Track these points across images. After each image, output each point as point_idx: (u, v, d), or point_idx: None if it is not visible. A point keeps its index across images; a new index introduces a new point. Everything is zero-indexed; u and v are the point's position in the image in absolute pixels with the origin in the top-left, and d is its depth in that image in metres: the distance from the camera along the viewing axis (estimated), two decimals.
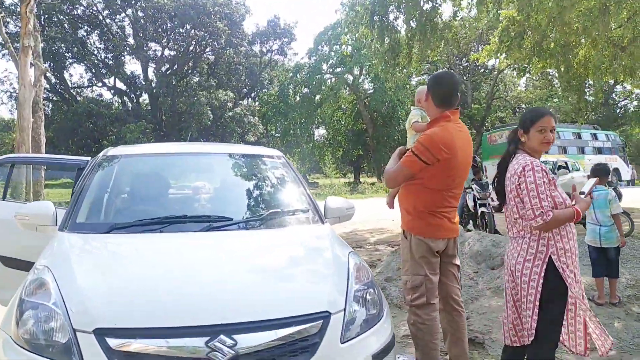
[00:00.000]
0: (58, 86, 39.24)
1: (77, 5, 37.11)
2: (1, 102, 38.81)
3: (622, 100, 44.07)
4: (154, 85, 39.36)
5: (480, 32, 33.36)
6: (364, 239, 11.16)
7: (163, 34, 39.32)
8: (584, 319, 2.84)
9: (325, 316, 2.32)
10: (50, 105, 39.83)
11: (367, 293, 2.65)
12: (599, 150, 29.37)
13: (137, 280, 2.39)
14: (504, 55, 14.31)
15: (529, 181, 2.73)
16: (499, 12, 10.71)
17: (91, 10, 38.05)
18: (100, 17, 38.34)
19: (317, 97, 37.08)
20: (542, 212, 2.66)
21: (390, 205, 3.69)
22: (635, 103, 42.68)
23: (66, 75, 39.96)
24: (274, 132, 41.43)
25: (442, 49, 13.02)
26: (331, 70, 36.85)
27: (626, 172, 29.57)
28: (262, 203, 3.52)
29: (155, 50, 40.38)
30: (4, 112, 40.67)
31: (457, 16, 12.33)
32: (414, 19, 11.42)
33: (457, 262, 3.48)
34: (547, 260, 2.73)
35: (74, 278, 2.37)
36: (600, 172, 5.19)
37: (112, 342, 2.04)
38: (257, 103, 44.23)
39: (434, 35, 11.33)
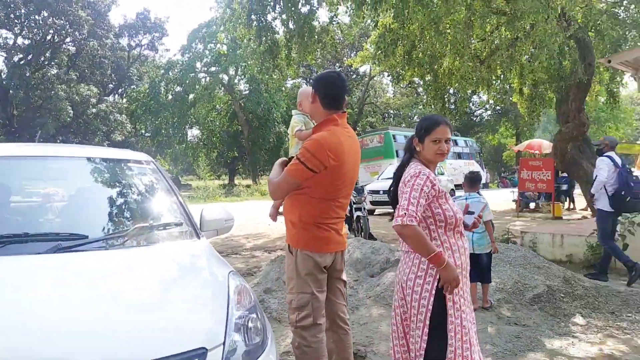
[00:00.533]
0: None
1: None
2: None
3: (478, 110, 47.97)
4: (3, 76, 35.30)
5: (354, 38, 34.50)
6: (239, 245, 10.78)
7: (16, 21, 35.40)
8: (470, 342, 2.71)
9: (200, 354, 1.95)
10: None
11: (250, 320, 2.32)
12: (459, 155, 31.64)
13: None
14: (376, 62, 14.78)
15: (409, 184, 2.58)
16: (376, 19, 10.92)
17: None
18: None
19: (191, 96, 35.73)
20: (405, 213, 2.48)
21: (274, 217, 3.39)
22: (489, 112, 46.72)
23: None
24: (143, 132, 39.21)
25: (320, 52, 13.04)
26: (205, 69, 35.74)
27: (483, 175, 32.14)
28: (127, 216, 3.01)
29: (6, 38, 36.33)
30: None
31: (334, 21, 12.42)
32: (292, 21, 11.29)
33: (344, 277, 3.27)
34: (438, 277, 2.58)
35: None
36: (473, 180, 5.35)
37: None
38: (124, 100, 41.56)
39: (311, 39, 11.28)
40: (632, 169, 7.52)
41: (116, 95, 44.24)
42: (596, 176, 6.90)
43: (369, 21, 11.26)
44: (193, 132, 42.71)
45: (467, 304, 2.69)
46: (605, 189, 6.80)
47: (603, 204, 6.86)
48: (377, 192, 15.69)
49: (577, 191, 16.11)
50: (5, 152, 3.17)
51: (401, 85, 42.58)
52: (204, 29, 33.74)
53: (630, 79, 10.66)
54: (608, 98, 15.65)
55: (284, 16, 11.39)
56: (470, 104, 45.09)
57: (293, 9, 11.12)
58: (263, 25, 11.55)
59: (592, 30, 12.66)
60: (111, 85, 43.19)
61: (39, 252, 2.41)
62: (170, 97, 35.49)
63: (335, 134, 2.92)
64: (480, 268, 5.18)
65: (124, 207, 3.11)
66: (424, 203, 2.56)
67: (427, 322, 2.57)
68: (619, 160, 6.92)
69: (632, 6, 12.92)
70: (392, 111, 49.74)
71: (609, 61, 8.66)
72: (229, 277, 2.50)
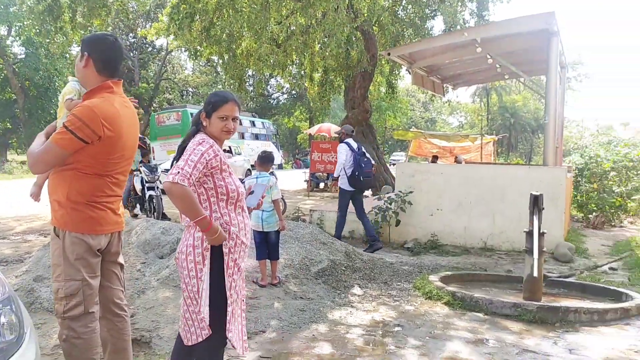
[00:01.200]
0: None
1: None
2: None
3: (275, 93, 49.40)
4: None
5: (149, 8, 32.63)
6: (9, 228, 9.51)
7: None
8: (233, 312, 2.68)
9: None
10: None
11: (4, 313, 2.00)
12: (257, 137, 32.28)
13: None
14: (172, 36, 14.16)
15: (190, 149, 2.54)
16: None
17: None
18: None
19: None
20: (179, 172, 2.44)
21: (36, 197, 2.96)
22: (285, 96, 48.41)
23: None
24: None
25: (108, 18, 11.99)
26: None
27: (278, 156, 33.30)
28: None
29: None
30: None
31: None
32: None
33: (121, 260, 3.01)
34: (210, 247, 2.55)
35: None
36: (265, 160, 5.43)
37: None
38: None
39: (98, 2, 10.29)
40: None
41: None
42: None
43: None
44: None
45: (241, 277, 2.71)
46: (345, 171, 7.82)
47: (343, 183, 7.88)
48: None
49: None
50: None
51: (200, 63, 41.78)
52: None
53: (405, 72, 11.91)
54: (388, 88, 17.32)
55: None
56: (268, 87, 46.28)
57: None
58: None
59: (376, 25, 13.84)
60: None
61: None
62: None
63: (110, 101, 2.66)
64: (269, 245, 5.30)
65: None
66: (201, 168, 2.51)
67: (202, 295, 2.53)
68: (355, 145, 7.96)
69: (410, 6, 14.41)
70: (190, 89, 48.49)
71: (389, 54, 9.52)
72: None
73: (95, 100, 2.61)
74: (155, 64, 42.88)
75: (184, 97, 46.33)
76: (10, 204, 12.93)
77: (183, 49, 14.90)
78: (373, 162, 8.16)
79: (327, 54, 12.14)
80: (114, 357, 2.93)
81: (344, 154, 7.84)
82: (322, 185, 19.10)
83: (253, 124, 32.86)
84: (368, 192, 12.52)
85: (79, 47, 2.68)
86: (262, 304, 4.77)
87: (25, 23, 20.24)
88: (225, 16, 12.51)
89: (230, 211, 2.64)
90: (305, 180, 18.62)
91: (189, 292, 2.58)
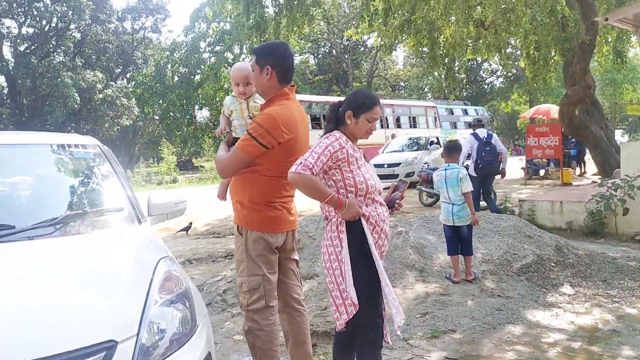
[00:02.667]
0: None
1: None
2: None
3: (489, 77, 47.13)
4: (11, 66, 35.46)
5: (358, 10, 33.92)
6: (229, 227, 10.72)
7: (19, 9, 35.38)
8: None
9: (109, 347, 1.83)
10: None
11: (175, 308, 2.20)
12: (470, 125, 31.10)
13: None
14: (375, 33, 14.42)
15: (319, 143, 2.58)
16: None
17: None
18: None
19: (197, 77, 35.60)
20: (302, 162, 2.48)
21: (221, 196, 3.25)
22: (500, 80, 45.85)
23: None
24: (152, 115, 39.24)
25: (311, 25, 12.73)
26: (210, 48, 35.50)
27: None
28: (62, 204, 2.89)
29: (9, 27, 36.37)
30: None
31: None
32: None
33: (296, 256, 3.16)
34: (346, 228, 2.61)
35: None
36: (451, 150, 5.17)
37: None
38: (131, 84, 41.54)
39: (300, 11, 10.98)
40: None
41: (123, 80, 44.21)
42: None
43: None
44: (203, 114, 42.62)
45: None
46: (471, 159, 8.57)
47: (471, 170, 8.32)
48: (381, 165, 15.48)
49: (588, 156, 15.69)
50: None
51: (410, 56, 42.06)
52: (206, 7, 33.35)
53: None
54: (615, 58, 15.13)
55: None
56: (481, 72, 44.36)
57: None
58: (251, 0, 11.28)
59: None
60: (117, 70, 43.17)
61: None
62: (176, 79, 35.40)
63: (288, 108, 2.82)
64: (461, 240, 5.02)
65: (60, 194, 2.97)
66: (325, 160, 2.53)
67: (347, 275, 2.57)
68: (483, 135, 8.58)
69: None
70: (402, 83, 49.10)
71: (606, 19, 8.28)
72: (158, 262, 2.37)
73: (275, 108, 2.77)
74: (367, 63, 44.35)
75: (395, 92, 47.08)
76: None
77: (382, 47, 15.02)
78: (500, 149, 8.63)
79: (536, 27, 11.04)
80: (295, 349, 3.08)
81: (468, 145, 8.61)
82: (542, 172, 17.53)
83: (465, 112, 31.74)
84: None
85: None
86: (453, 301, 4.54)
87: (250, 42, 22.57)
88: (425, 6, 12.29)
89: (361, 203, 2.62)
90: (521, 168, 17.32)
91: (331, 276, 2.64)
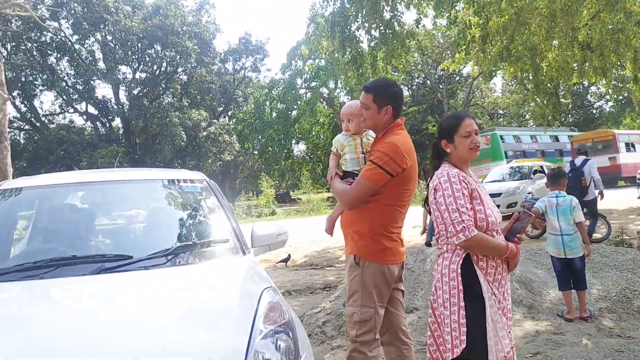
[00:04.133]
0: (29, 115, 38.44)
1: (45, 32, 36.43)
2: None
3: (597, 102, 44.45)
4: (126, 108, 38.70)
5: (453, 40, 33.54)
6: (335, 257, 10.73)
7: (133, 57, 38.76)
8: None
9: None
10: (22, 135, 39.01)
11: (279, 338, 2.23)
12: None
13: None
14: (471, 61, 14.13)
15: (447, 194, 2.42)
16: (455, 16, 10.44)
17: (59, 37, 37.33)
18: (69, 43, 37.61)
19: (294, 112, 36.71)
20: (464, 226, 2.35)
21: (330, 231, 3.24)
22: (610, 103, 43.10)
23: (36, 103, 39.21)
24: (251, 150, 40.88)
25: (407, 57, 12.74)
26: (306, 84, 36.56)
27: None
28: (173, 236, 3.06)
29: (125, 73, 39.85)
30: None
31: (420, 23, 12.06)
32: (375, 28, 11.13)
33: (403, 287, 3.12)
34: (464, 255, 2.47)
35: None
36: (555, 178, 4.88)
37: None
38: (232, 121, 43.68)
39: (396, 44, 11.04)
40: None
41: (224, 117, 46.64)
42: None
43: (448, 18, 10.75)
44: (300, 147, 43.74)
45: (506, 305, 2.55)
46: None
47: None
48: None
49: None
50: (65, 179, 3.39)
51: (509, 82, 40.71)
52: (302, 45, 34.58)
53: None
54: None
55: (367, 24, 11.27)
56: (589, 96, 41.97)
57: (376, 15, 10.97)
58: (346, 36, 11.52)
59: None
60: (220, 109, 45.64)
61: (84, 274, 2.51)
62: (274, 115, 36.69)
63: (405, 136, 2.88)
64: (574, 274, 4.67)
65: (171, 226, 3.16)
66: (467, 203, 2.42)
67: (462, 319, 2.44)
68: (577, 162, 9.17)
69: None
70: (500, 110, 47.56)
71: None
72: (262, 293, 2.42)
73: (395, 137, 2.82)
74: (463, 92, 43.53)
75: (493, 120, 45.66)
76: (340, 235, 14.64)
77: (481, 74, 14.67)
78: (591, 176, 8.89)
79: None
80: None
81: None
82: None
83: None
84: None
85: (369, 97, 2.87)
86: (567, 340, 4.22)
87: (346, 77, 22.97)
88: (525, 32, 11.90)
89: None
90: (638, 197, 16.01)
91: (442, 307, 2.52)
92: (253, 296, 2.38)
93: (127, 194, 3.40)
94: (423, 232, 11.53)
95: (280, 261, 9.69)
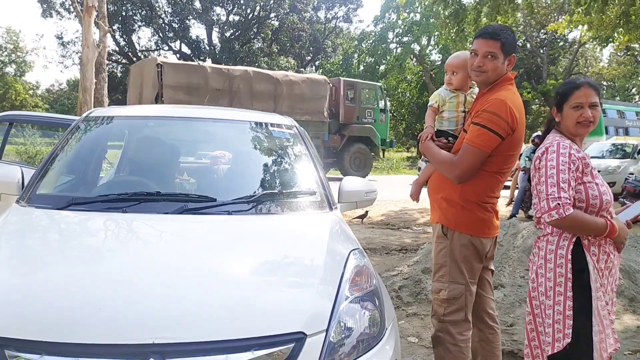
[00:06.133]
0: (127, 49, 39.96)
1: None
2: (72, 63, 39.62)
3: None
4: (217, 50, 39.33)
5: (562, 1, 31.06)
6: (413, 219, 10.45)
7: None
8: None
9: (298, 339, 1.72)
10: (119, 68, 40.73)
11: (365, 307, 2.04)
12: None
13: (62, 280, 1.86)
14: (585, 26, 12.93)
15: (550, 165, 2.13)
16: None
17: None
18: None
19: (382, 67, 35.88)
20: (558, 203, 2.05)
21: (415, 196, 2.95)
22: None
23: (134, 38, 40.62)
24: None
25: (514, 15, 11.80)
26: (398, 39, 35.45)
27: None
28: (258, 182, 2.91)
29: (219, 15, 40.24)
30: (75, 72, 41.74)
31: None
32: None
33: (492, 266, 2.82)
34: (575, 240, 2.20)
35: None
36: None
37: (10, 356, 1.57)
38: (319, 71, 43.37)
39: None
40: None
41: (312, 67, 46.33)
42: None
43: None
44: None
45: (612, 297, 2.30)
46: None
47: None
48: None
49: None
50: (156, 112, 3.30)
51: (618, 53, 37.49)
52: None
53: None
54: None
55: None
56: None
57: None
58: None
59: None
60: (308, 58, 45.30)
61: (165, 212, 2.41)
62: (361, 68, 36.02)
63: (514, 92, 2.52)
64: None
65: (257, 171, 2.99)
66: (571, 178, 2.13)
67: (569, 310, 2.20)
68: None
69: None
70: (605, 82, 44.16)
71: None
72: (349, 255, 2.23)
73: (504, 93, 2.47)
74: (566, 59, 40.63)
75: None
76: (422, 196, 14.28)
77: (595, 37, 13.43)
78: None
79: None
80: None
81: None
82: None
83: None
84: None
85: (493, 43, 2.45)
86: None
87: (441, 32, 21.91)
88: None
89: None
90: None
91: (536, 307, 2.30)
92: (339, 258, 2.19)
93: (214, 133, 3.28)
94: (509, 204, 10.98)
95: (357, 217, 9.53)
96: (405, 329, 4.07)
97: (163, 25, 39.20)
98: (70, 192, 2.69)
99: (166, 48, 41.74)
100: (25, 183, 2.69)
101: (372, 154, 20.45)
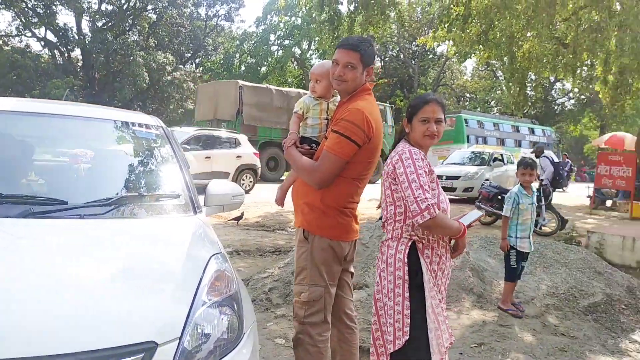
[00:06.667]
0: None
1: None
2: None
3: (561, 98, 45.33)
4: (87, 40, 36.75)
5: (432, 17, 33.27)
6: (288, 221, 10.55)
7: None
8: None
9: (148, 348, 1.67)
10: None
11: (222, 312, 2.02)
12: (535, 145, 29.87)
13: None
14: (451, 42, 13.96)
15: (409, 170, 2.26)
16: None
17: None
18: None
19: (263, 68, 35.97)
20: (428, 204, 2.19)
21: (280, 202, 2.99)
22: (572, 101, 44.01)
23: None
24: None
25: (385, 26, 12.43)
26: (279, 41, 35.78)
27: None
28: (118, 183, 2.76)
29: (90, 2, 37.61)
30: None
31: None
32: None
33: (352, 269, 2.93)
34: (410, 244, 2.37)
35: None
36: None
37: None
38: (199, 69, 42.35)
39: (376, 10, 10.71)
40: None
41: (192, 64, 45.12)
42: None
43: None
44: None
45: (442, 295, 2.47)
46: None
47: None
48: (440, 177, 15.06)
49: None
50: (9, 105, 3.01)
51: (479, 68, 40.92)
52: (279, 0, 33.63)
53: None
54: None
55: None
56: (553, 92, 42.68)
57: None
58: None
59: None
60: (187, 55, 44.00)
61: (7, 216, 2.21)
62: (242, 68, 35.86)
63: (371, 102, 2.63)
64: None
65: (117, 173, 2.85)
66: (429, 182, 2.29)
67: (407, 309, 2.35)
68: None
69: None
70: (468, 94, 47.95)
71: None
72: (210, 259, 2.20)
73: (361, 102, 2.56)
74: (435, 71, 43.51)
75: (460, 103, 46.04)
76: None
77: (457, 54, 14.54)
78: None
79: (624, 51, 10.36)
80: None
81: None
82: (609, 203, 16.57)
83: (532, 131, 30.54)
84: None
85: (355, 55, 2.55)
86: (512, 334, 4.20)
87: (321, 36, 22.45)
88: (507, 17, 11.78)
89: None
90: (588, 196, 16.43)
91: (386, 297, 2.42)
92: (200, 261, 2.16)
93: (74, 130, 3.05)
94: (379, 207, 11.52)
95: (233, 219, 9.46)
96: (273, 330, 4.11)
97: (25, 9, 35.87)
98: None
99: (29, 34, 38.29)
100: None
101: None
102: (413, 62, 41.67)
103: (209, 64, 37.98)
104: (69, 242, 2.15)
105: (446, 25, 10.65)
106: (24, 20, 36.70)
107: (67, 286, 1.84)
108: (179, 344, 1.76)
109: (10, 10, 35.69)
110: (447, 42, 14.77)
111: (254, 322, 2.26)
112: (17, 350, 1.52)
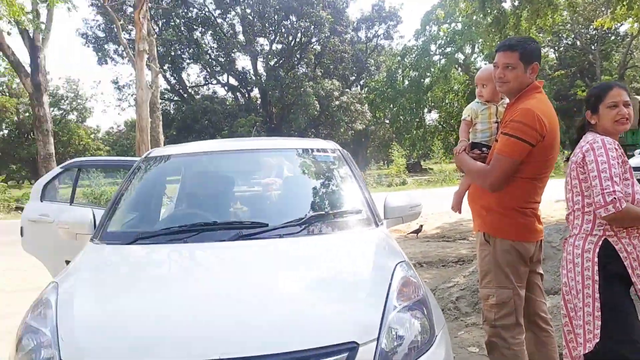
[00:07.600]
0: (177, 87, 41.64)
1: (191, 8, 39.02)
2: (128, 105, 41.56)
3: None
4: (263, 79, 40.35)
5: None
6: (468, 230, 10.32)
7: (270, 28, 40.11)
8: None
9: (351, 348, 1.85)
10: (172, 105, 42.40)
11: (414, 315, 2.15)
12: None
13: (136, 308, 2.08)
14: (634, 19, 12.55)
15: (601, 160, 2.17)
16: None
17: (204, 12, 39.77)
18: (212, 17, 39.97)
19: (427, 80, 35.74)
20: (614, 197, 2.09)
21: (457, 207, 3.01)
22: None
23: (184, 75, 42.31)
24: (383, 119, 40.66)
25: (554, 16, 11.62)
26: (440, 50, 35.29)
27: None
28: (306, 205, 3.09)
29: (262, 45, 41.39)
30: (131, 113, 43.94)
31: None
32: None
33: (541, 270, 2.86)
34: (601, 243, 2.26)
35: (73, 300, 2.14)
36: None
37: None
38: (364, 90, 43.63)
39: (542, 1, 10.10)
40: None
41: (357, 87, 46.69)
42: None
43: None
44: (432, 116, 42.63)
45: None
46: None
47: None
48: (636, 169, 13.48)
49: None
50: (208, 147, 3.57)
51: None
52: (437, 9, 33.24)
53: None
54: None
55: None
56: None
57: None
58: None
59: None
60: (352, 78, 45.73)
61: (222, 240, 2.62)
62: (406, 83, 36.01)
63: (542, 100, 2.59)
64: None
65: (305, 195, 3.20)
66: (621, 172, 2.20)
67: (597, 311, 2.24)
68: None
69: None
70: None
71: None
72: (396, 267, 2.35)
73: (531, 101, 2.56)
74: (619, 53, 39.18)
75: None
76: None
77: None
78: None
79: None
80: None
81: None
82: None
83: None
84: None
85: (514, 56, 2.58)
86: None
87: (485, 39, 21.74)
88: None
89: None
90: None
91: (574, 307, 2.34)
92: (386, 269, 2.32)
93: (263, 163, 3.51)
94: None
95: (412, 232, 9.55)
96: (465, 339, 4.10)
97: (210, 60, 40.64)
98: (136, 227, 2.96)
99: (214, 82, 43.22)
100: (97, 222, 2.97)
101: None
102: (592, 47, 38.05)
103: (372, 83, 38.91)
104: (274, 258, 2.50)
105: (625, 3, 9.61)
106: (209, 70, 41.52)
107: (276, 295, 2.14)
108: (377, 345, 1.92)
109: (198, 63, 40.63)
110: (629, 19, 13.28)
111: (445, 325, 2.34)
112: (244, 350, 1.80)
